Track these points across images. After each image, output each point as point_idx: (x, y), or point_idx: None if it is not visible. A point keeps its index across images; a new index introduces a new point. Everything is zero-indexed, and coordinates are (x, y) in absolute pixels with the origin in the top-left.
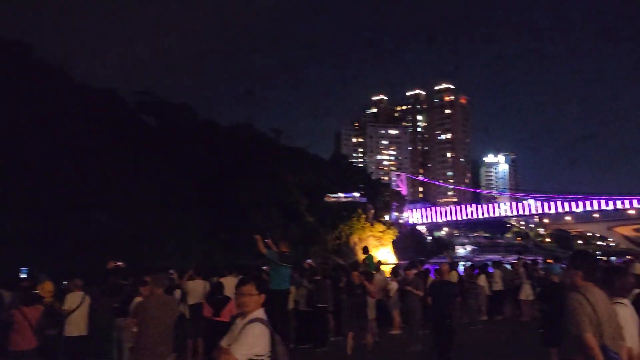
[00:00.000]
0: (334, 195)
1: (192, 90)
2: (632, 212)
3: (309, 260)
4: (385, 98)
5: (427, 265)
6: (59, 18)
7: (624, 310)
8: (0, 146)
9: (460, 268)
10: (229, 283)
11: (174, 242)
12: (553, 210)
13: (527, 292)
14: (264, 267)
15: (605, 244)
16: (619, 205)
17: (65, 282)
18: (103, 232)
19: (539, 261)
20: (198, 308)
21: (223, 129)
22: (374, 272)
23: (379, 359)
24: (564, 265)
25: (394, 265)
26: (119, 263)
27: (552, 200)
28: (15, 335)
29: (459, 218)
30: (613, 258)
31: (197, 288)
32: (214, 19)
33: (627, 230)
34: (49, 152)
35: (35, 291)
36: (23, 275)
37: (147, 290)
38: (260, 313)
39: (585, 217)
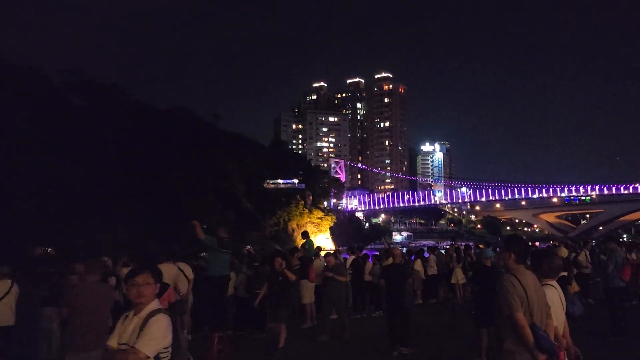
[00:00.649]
0: (272, 181)
1: (125, 71)
2: (555, 200)
3: (248, 247)
4: (326, 85)
5: (365, 251)
6: None
7: (552, 291)
8: None
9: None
10: (167, 270)
11: (104, 227)
12: (484, 198)
13: (458, 276)
14: (202, 254)
15: (530, 230)
16: (543, 193)
17: None
18: (25, 218)
19: (472, 246)
20: None
21: (157, 112)
22: (313, 257)
23: (321, 343)
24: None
25: (332, 251)
26: (48, 249)
27: (483, 188)
28: None
29: (396, 205)
30: (537, 243)
31: (169, 272)
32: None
33: (550, 217)
34: None
35: None
36: None
37: (77, 278)
38: (157, 304)
39: (513, 205)
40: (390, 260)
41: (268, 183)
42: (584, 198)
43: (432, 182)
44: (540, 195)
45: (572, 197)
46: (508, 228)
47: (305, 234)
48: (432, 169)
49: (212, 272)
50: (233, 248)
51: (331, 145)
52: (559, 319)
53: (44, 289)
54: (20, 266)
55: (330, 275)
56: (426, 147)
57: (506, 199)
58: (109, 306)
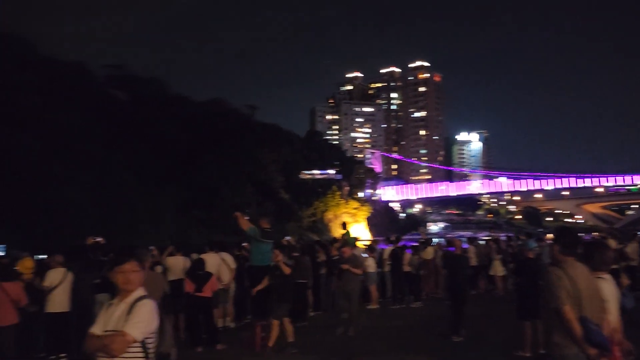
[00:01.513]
0: (308, 172)
1: (164, 65)
2: (600, 189)
3: (288, 238)
4: (361, 75)
5: (402, 242)
6: None
7: (606, 284)
8: None
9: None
10: (210, 259)
11: (148, 218)
12: (524, 188)
13: (497, 268)
14: (244, 244)
15: (573, 221)
16: (587, 183)
17: (42, 257)
18: (74, 208)
19: (513, 238)
20: (178, 284)
21: (196, 104)
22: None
23: (358, 333)
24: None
25: (369, 242)
26: (99, 239)
27: (523, 178)
28: None
29: (432, 195)
30: (581, 234)
31: (177, 264)
32: None
33: (594, 208)
34: (9, 126)
35: (15, 268)
36: (1, 253)
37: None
38: (142, 290)
39: (554, 195)
40: (430, 250)
41: (304, 174)
42: (630, 187)
43: (469, 172)
44: (584, 184)
45: (617, 187)
46: (549, 219)
47: (343, 225)
48: (469, 159)
49: (254, 262)
50: (274, 239)
51: (366, 135)
52: (613, 313)
53: (96, 276)
54: (73, 255)
55: (345, 267)
56: (463, 136)
57: (547, 188)
58: (159, 294)
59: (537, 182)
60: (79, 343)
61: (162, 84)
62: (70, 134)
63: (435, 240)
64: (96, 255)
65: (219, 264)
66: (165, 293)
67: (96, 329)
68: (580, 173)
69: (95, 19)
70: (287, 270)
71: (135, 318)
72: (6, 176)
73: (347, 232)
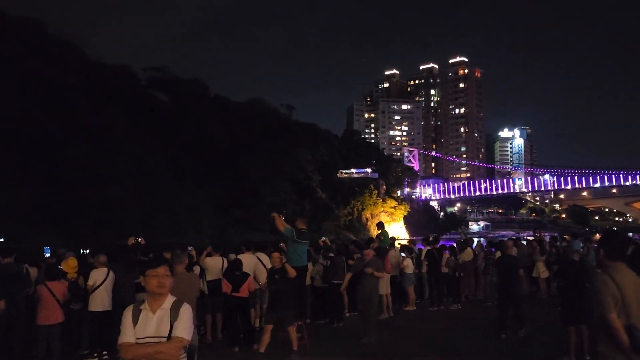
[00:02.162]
0: (346, 171)
1: (204, 65)
2: None
3: (323, 238)
4: (398, 72)
5: (441, 242)
6: None
7: None
8: (13, 123)
9: (474, 245)
10: (247, 260)
11: (187, 217)
12: (569, 186)
13: (540, 269)
14: (281, 244)
15: (623, 220)
16: (637, 180)
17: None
18: (117, 208)
19: (557, 238)
20: (216, 284)
21: (235, 105)
22: (388, 247)
23: (396, 336)
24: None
25: (407, 242)
26: (140, 239)
27: (569, 176)
28: (43, 310)
29: (472, 194)
30: (630, 234)
31: (215, 265)
32: None
33: None
34: (61, 128)
35: (60, 267)
36: (47, 255)
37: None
38: (171, 296)
39: (602, 193)
40: (468, 251)
41: (341, 173)
42: None
43: (511, 169)
44: (634, 182)
45: None
46: (597, 218)
47: (380, 225)
48: (511, 156)
49: (290, 262)
50: (310, 239)
51: (404, 133)
52: None
53: (137, 276)
54: (115, 255)
55: (370, 271)
56: (505, 133)
57: (594, 186)
58: (196, 294)
59: (583, 179)
60: None
61: (202, 85)
62: (115, 135)
63: (475, 240)
64: (137, 255)
65: (256, 265)
66: (203, 293)
67: (128, 337)
68: (629, 169)
69: (137, 22)
70: (292, 273)
71: (183, 323)
72: (54, 177)
73: (383, 232)
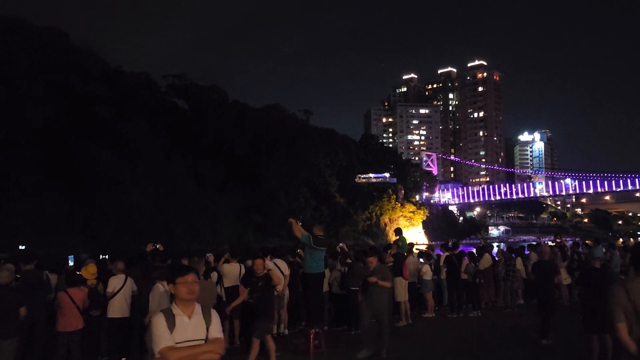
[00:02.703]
0: (364, 176)
1: (222, 72)
2: None
3: (341, 244)
4: (416, 77)
5: (461, 247)
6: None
7: None
8: (33, 131)
9: (494, 250)
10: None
11: (207, 223)
12: (591, 190)
13: (562, 276)
14: (298, 250)
15: None
16: None
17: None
18: (138, 213)
19: (579, 243)
20: (234, 290)
21: (253, 111)
22: (406, 254)
23: (414, 344)
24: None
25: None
26: (158, 245)
27: (591, 179)
28: (63, 317)
29: (492, 198)
30: None
31: (233, 271)
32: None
33: None
34: (83, 136)
35: (79, 273)
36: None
37: None
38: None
39: (625, 197)
40: (487, 258)
41: (359, 177)
42: None
43: (531, 173)
44: None
45: None
46: (620, 222)
47: (398, 231)
48: (531, 160)
49: (307, 269)
50: (328, 245)
51: (422, 137)
52: None
53: (155, 282)
54: (133, 261)
55: (373, 280)
56: (524, 136)
57: (617, 190)
58: (212, 302)
59: (605, 183)
60: (139, 347)
61: (221, 91)
62: (136, 142)
63: (495, 245)
64: (155, 262)
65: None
66: (220, 299)
67: (169, 342)
68: None
69: (155, 30)
70: (277, 281)
71: (217, 325)
72: (76, 184)
73: (401, 238)
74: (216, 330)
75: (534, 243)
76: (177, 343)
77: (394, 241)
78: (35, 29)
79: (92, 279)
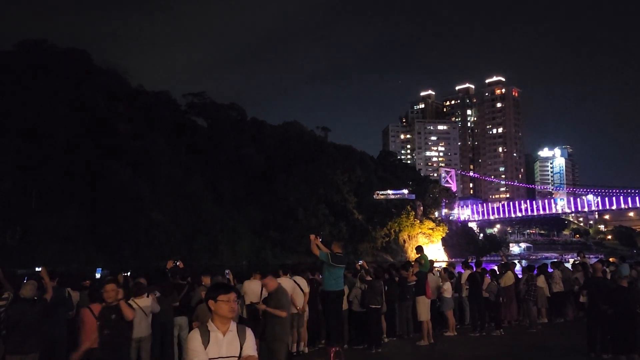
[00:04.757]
0: (382, 192)
1: (241, 89)
2: None
3: (361, 262)
4: (433, 93)
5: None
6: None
7: None
8: (56, 149)
9: (518, 268)
10: (283, 283)
11: (225, 239)
12: (614, 206)
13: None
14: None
15: None
16: None
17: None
18: (158, 230)
19: (604, 261)
20: (255, 308)
21: (271, 128)
22: (428, 272)
23: None
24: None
25: (445, 264)
26: (178, 262)
27: (614, 196)
28: (84, 333)
29: (512, 215)
30: None
31: (255, 288)
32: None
33: None
34: (105, 153)
35: (102, 290)
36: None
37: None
38: None
39: None
40: (510, 275)
41: (378, 194)
42: None
43: (552, 189)
44: None
45: None
46: None
47: (419, 249)
48: (552, 176)
49: (327, 286)
50: (347, 263)
51: (441, 154)
52: None
53: (175, 300)
54: (154, 279)
55: (262, 308)
56: (545, 152)
57: None
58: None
59: (629, 199)
60: None
61: (239, 109)
62: (155, 159)
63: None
64: (175, 279)
65: (293, 288)
66: (242, 318)
67: (202, 357)
68: None
69: (175, 49)
70: (128, 315)
71: (252, 342)
72: (98, 201)
73: (423, 256)
74: (250, 348)
75: (556, 260)
76: (210, 359)
77: (416, 259)
78: (59, 50)
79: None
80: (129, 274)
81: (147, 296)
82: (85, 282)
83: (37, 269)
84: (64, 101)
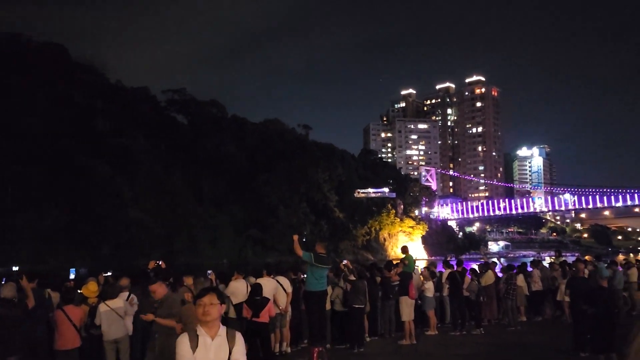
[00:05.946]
0: (363, 190)
1: (221, 87)
2: None
3: (345, 261)
4: (414, 92)
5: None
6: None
7: None
8: (34, 146)
9: (498, 266)
10: (266, 284)
11: (206, 238)
12: (590, 205)
13: (564, 293)
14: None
15: None
16: None
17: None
18: (137, 228)
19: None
20: (241, 308)
21: (252, 126)
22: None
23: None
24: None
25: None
26: (160, 262)
27: (590, 195)
28: (59, 335)
29: (491, 213)
30: None
31: (240, 287)
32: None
33: None
34: (84, 150)
35: (80, 291)
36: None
37: (191, 296)
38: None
39: (625, 212)
40: (490, 275)
41: (359, 192)
42: None
43: (530, 188)
44: None
45: None
46: (619, 237)
47: (404, 249)
48: (530, 175)
49: (310, 286)
50: (331, 263)
51: (421, 152)
52: None
53: (156, 300)
54: (135, 279)
55: (150, 318)
56: (523, 151)
57: (617, 205)
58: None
59: (605, 198)
60: None
61: (220, 106)
62: (135, 156)
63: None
64: (157, 279)
65: (276, 289)
66: (228, 318)
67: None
68: None
69: (155, 45)
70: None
71: (241, 347)
72: (77, 198)
73: (408, 257)
74: (239, 353)
75: (536, 259)
76: None
77: (401, 259)
78: (35, 44)
79: (93, 297)
80: (110, 274)
81: (128, 297)
82: (69, 282)
83: (14, 268)
84: (41, 96)
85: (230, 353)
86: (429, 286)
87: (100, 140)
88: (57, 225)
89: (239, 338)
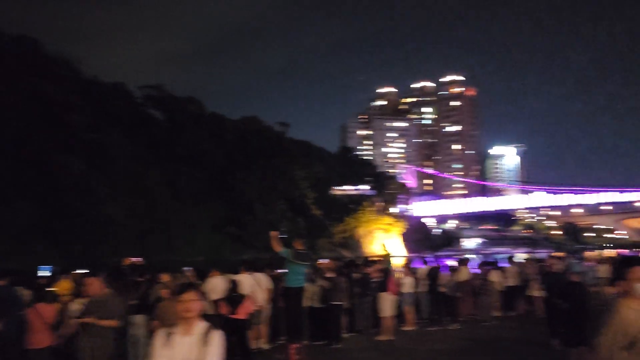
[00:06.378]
0: (340, 188)
1: (199, 84)
2: None
3: (325, 260)
4: (393, 90)
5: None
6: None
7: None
8: (6, 140)
9: (474, 262)
10: (244, 280)
11: (183, 235)
12: (562, 203)
13: (535, 288)
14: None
15: (614, 236)
16: (629, 197)
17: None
18: (113, 225)
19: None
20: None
21: (230, 122)
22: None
23: (398, 356)
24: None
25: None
26: (136, 259)
27: (562, 193)
28: (31, 333)
29: (467, 210)
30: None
31: (219, 285)
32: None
33: (637, 223)
34: (57, 146)
35: (52, 289)
36: (41, 274)
37: (168, 293)
38: (202, 321)
39: (594, 210)
40: (465, 271)
41: (336, 190)
42: None
43: (505, 186)
44: (627, 199)
45: None
46: (589, 234)
47: (384, 246)
48: (504, 173)
49: (288, 283)
50: (311, 260)
51: (399, 150)
52: None
53: (133, 298)
54: (111, 276)
55: (90, 321)
56: (498, 150)
57: (587, 203)
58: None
59: (576, 196)
60: None
61: (198, 103)
62: (111, 152)
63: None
64: (133, 276)
65: (253, 285)
66: (207, 314)
67: (159, 359)
68: (621, 187)
69: (132, 40)
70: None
71: (214, 348)
72: (49, 195)
73: (387, 253)
74: (211, 354)
75: (510, 255)
76: None
77: (384, 256)
78: (6, 36)
79: (66, 294)
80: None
81: None
82: (42, 280)
83: None
84: (14, 90)
85: (205, 352)
86: (407, 282)
87: (75, 135)
88: (29, 222)
89: (216, 340)
